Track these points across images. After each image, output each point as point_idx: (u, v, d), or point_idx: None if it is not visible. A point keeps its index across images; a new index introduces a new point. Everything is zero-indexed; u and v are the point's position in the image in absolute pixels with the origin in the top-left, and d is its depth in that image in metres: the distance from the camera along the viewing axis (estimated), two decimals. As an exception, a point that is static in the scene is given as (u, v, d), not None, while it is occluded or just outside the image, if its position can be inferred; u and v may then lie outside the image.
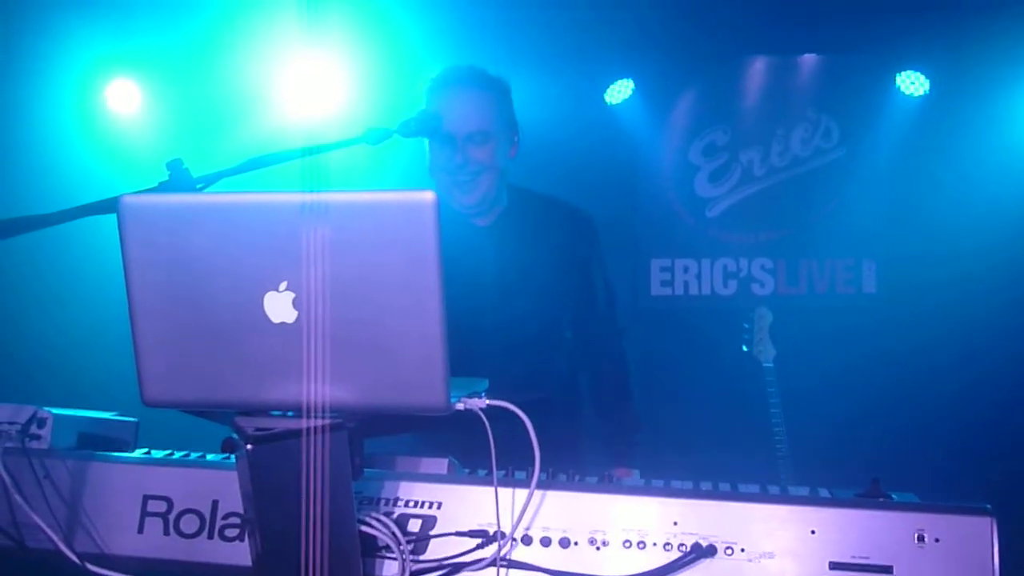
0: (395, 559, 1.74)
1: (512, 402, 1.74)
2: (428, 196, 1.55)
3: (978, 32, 4.77)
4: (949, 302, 4.73)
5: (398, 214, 1.56)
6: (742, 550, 1.70)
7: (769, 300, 4.99)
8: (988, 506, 1.68)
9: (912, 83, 5.02)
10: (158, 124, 4.94)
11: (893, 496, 1.77)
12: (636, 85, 5.11)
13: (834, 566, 1.67)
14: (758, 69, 5.21)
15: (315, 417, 1.60)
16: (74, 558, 1.86)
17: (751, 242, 5.21)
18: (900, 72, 5.03)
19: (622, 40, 4.94)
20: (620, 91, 5.09)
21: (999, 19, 4.71)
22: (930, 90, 5.01)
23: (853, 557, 1.67)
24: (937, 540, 1.66)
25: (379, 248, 1.57)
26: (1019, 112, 4.93)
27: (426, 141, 2.71)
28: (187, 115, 4.88)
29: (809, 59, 5.19)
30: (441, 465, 1.89)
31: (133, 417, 2.15)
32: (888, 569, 1.65)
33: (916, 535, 1.67)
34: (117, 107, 4.94)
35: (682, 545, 1.71)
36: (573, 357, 2.95)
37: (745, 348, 4.09)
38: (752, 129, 5.23)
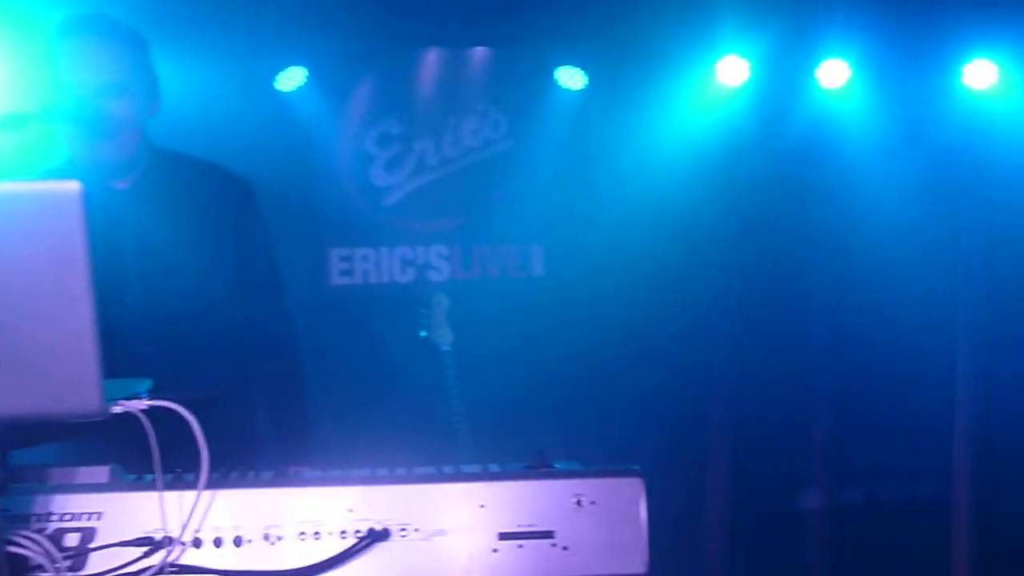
0: (51, 576, 1.64)
1: (176, 399, 1.70)
2: (73, 187, 1.47)
3: (632, 29, 5.03)
4: (610, 284, 4.98)
5: (40, 207, 1.47)
6: (416, 530, 1.74)
7: (445, 286, 5.03)
8: (638, 467, 1.81)
9: (570, 77, 5.22)
10: None
11: (556, 465, 1.86)
12: (309, 73, 4.99)
13: (502, 536, 1.75)
14: (431, 60, 5.25)
15: (-53, 431, 1.48)
16: None
17: (427, 230, 5.26)
18: (559, 67, 5.22)
19: (294, 26, 4.83)
20: (292, 78, 4.96)
21: (653, 17, 4.98)
22: (588, 84, 5.23)
23: (519, 526, 1.75)
24: (593, 503, 1.77)
25: (18, 245, 1.48)
26: (671, 106, 5.22)
27: (58, 93, 2.52)
28: None
29: (479, 52, 5.30)
30: (102, 473, 1.78)
31: None
32: (550, 534, 1.75)
33: (575, 500, 1.77)
34: None
35: (357, 531, 1.73)
36: (236, 343, 2.78)
37: (424, 333, 4.15)
38: (425, 119, 5.26)
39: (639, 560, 1.76)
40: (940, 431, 4.95)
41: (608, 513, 1.77)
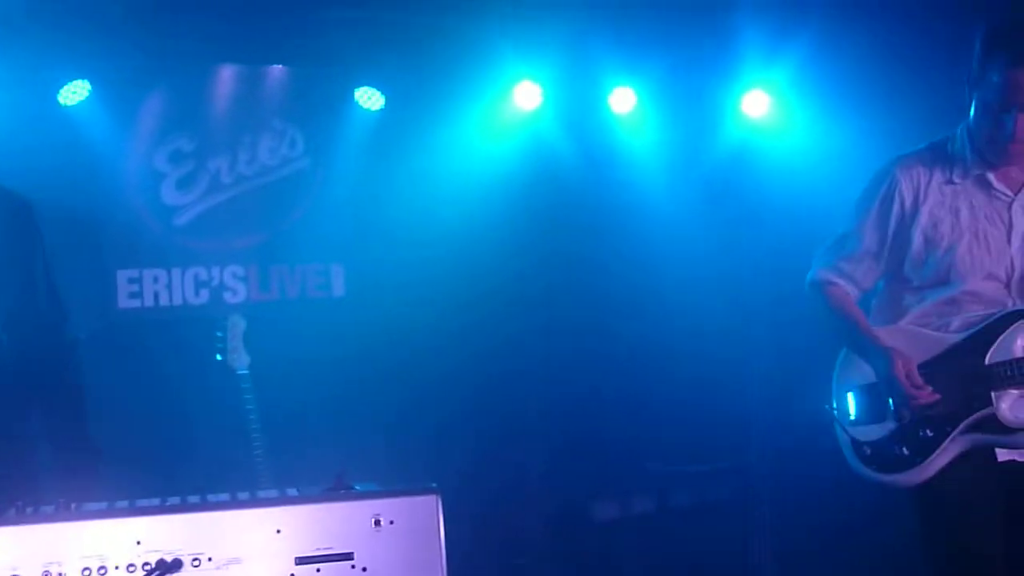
0: None
1: None
2: None
3: (431, 53, 5.11)
4: (410, 302, 5.03)
5: None
6: (209, 559, 1.71)
7: (242, 307, 4.93)
8: (435, 484, 1.85)
9: (369, 98, 5.25)
10: None
11: (356, 487, 1.88)
12: (93, 86, 4.79)
13: (300, 560, 1.75)
14: (225, 77, 5.15)
15: None
16: None
17: (222, 250, 5.13)
18: (358, 87, 5.23)
19: (76, 36, 4.62)
20: (75, 92, 4.75)
21: (452, 42, 5.08)
22: (385, 104, 5.26)
23: (317, 549, 1.76)
24: (392, 522, 1.79)
25: None
26: (469, 127, 5.33)
27: None
28: None
29: (275, 70, 5.23)
30: None
31: None
32: (349, 555, 1.76)
33: (373, 520, 1.79)
34: None
35: (146, 564, 1.69)
36: (14, 372, 2.64)
37: (219, 357, 4.04)
38: (219, 137, 5.15)
39: (439, 573, 1.79)
40: (734, 437, 5.23)
41: (407, 531, 1.79)
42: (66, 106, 4.76)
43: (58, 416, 2.74)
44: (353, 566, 1.76)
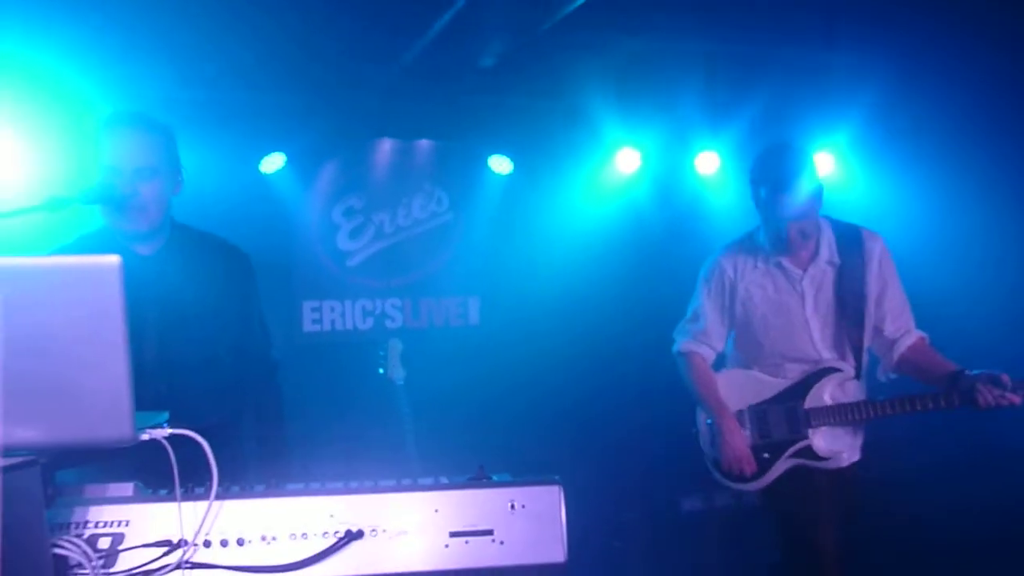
0: (87, 573, 1.65)
1: (189, 428, 1.71)
2: (114, 260, 1.51)
3: (550, 126, 5.23)
4: (533, 328, 5.10)
5: (87, 276, 1.51)
6: (384, 531, 1.77)
7: (399, 332, 5.09)
8: (557, 477, 1.87)
9: (500, 164, 5.37)
10: None
11: (493, 477, 1.90)
12: (288, 157, 5.02)
13: (452, 534, 1.79)
14: (386, 149, 5.32)
15: (7, 456, 1.50)
16: None
17: (384, 286, 5.29)
18: (491, 155, 5.36)
19: (275, 120, 4.87)
20: (273, 162, 4.98)
21: (566, 117, 5.20)
22: (513, 169, 5.39)
23: (465, 526, 1.79)
24: (523, 506, 1.82)
25: (69, 305, 1.51)
26: (578, 186, 5.44)
27: (100, 173, 2.47)
28: None
29: (425, 143, 5.39)
30: (127, 488, 1.79)
31: None
32: (490, 532, 1.80)
33: (509, 503, 1.82)
34: None
35: (337, 532, 1.75)
36: (232, 385, 2.70)
37: (382, 371, 4.13)
38: (382, 196, 5.32)
39: (560, 551, 1.81)
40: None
41: (536, 514, 1.81)
42: (266, 174, 4.99)
43: (263, 419, 2.80)
44: (493, 540, 1.79)
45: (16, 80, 3.68)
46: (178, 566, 1.69)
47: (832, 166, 5.55)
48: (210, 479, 1.72)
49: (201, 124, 4.43)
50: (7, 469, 1.50)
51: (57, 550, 1.63)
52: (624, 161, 5.45)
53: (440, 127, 5.28)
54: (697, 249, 5.41)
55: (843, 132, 5.37)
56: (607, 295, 5.25)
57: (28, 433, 1.51)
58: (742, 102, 5.10)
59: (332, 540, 1.75)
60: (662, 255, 5.37)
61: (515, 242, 5.39)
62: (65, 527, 1.70)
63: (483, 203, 5.45)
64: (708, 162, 5.57)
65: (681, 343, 3.35)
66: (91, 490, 1.78)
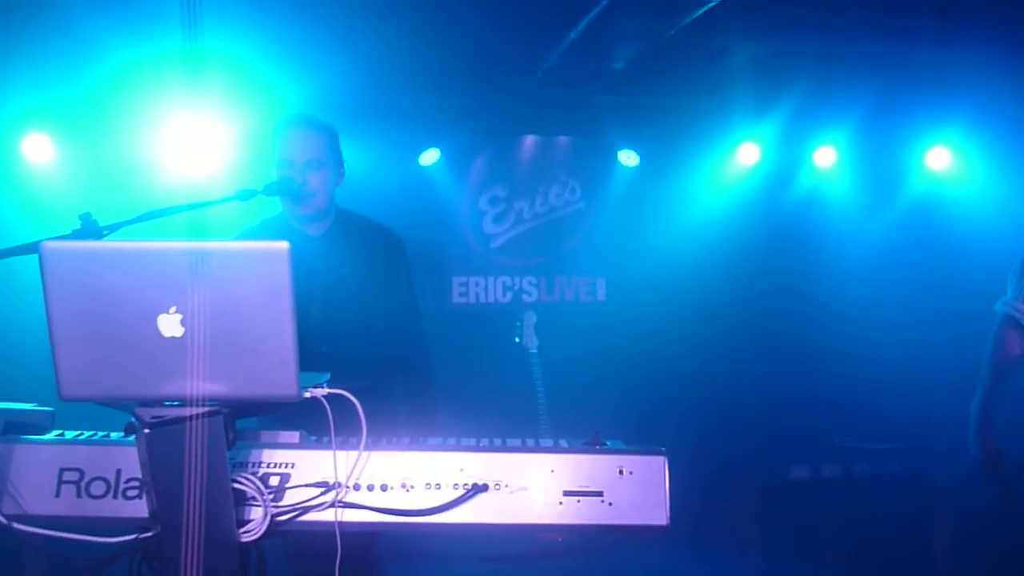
0: (260, 506, 1.73)
1: (345, 388, 1.74)
2: (283, 246, 1.56)
3: (674, 123, 5.08)
4: (656, 306, 4.99)
5: (263, 259, 1.57)
6: (506, 486, 1.77)
7: (534, 306, 5.09)
8: (663, 448, 1.82)
9: (628, 158, 5.27)
10: (69, 174, 4.37)
11: (607, 443, 1.87)
12: (442, 152, 5.11)
13: (566, 493, 1.77)
14: (528, 144, 5.32)
15: (197, 406, 1.59)
16: (1, 519, 1.75)
17: (522, 265, 5.31)
18: (620, 150, 5.26)
19: (432, 119, 4.96)
20: (430, 157, 5.08)
21: (690, 113, 5.03)
22: (640, 162, 5.28)
23: (578, 486, 1.77)
24: (631, 472, 1.78)
25: (247, 282, 1.57)
26: (701, 178, 5.26)
27: (276, 166, 2.58)
28: (93, 167, 4.36)
29: (562, 139, 5.36)
30: (294, 436, 1.86)
31: (49, 407, 2.00)
32: (600, 493, 1.77)
33: (618, 469, 1.79)
34: (33, 158, 4.35)
35: (466, 484, 1.77)
36: (387, 350, 2.73)
37: (517, 340, 4.17)
38: (523, 185, 5.33)
39: (663, 514, 1.77)
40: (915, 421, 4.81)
41: (642, 480, 1.77)
42: (423, 167, 5.07)
43: (411, 379, 2.83)
44: (602, 501, 1.77)
45: (220, 85, 3.90)
46: (332, 504, 1.75)
47: (948, 160, 5.11)
48: (360, 432, 1.76)
49: (368, 125, 4.59)
50: (199, 417, 1.60)
51: (236, 485, 1.71)
52: (745, 155, 5.22)
53: (576, 124, 5.23)
54: (813, 237, 5.20)
55: (958, 126, 4.93)
56: (724, 276, 5.06)
57: (215, 387, 1.59)
58: (857, 98, 4.77)
59: (461, 491, 1.77)
60: (778, 241, 5.14)
61: (640, 228, 5.28)
62: (243, 466, 1.79)
63: (612, 193, 5.36)
64: (825, 156, 5.26)
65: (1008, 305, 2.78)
66: (264, 436, 1.86)
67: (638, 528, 1.76)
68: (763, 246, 5.11)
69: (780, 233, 5.13)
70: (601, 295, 5.37)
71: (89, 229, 1.78)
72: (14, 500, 1.79)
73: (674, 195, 5.23)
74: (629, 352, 4.86)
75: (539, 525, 1.77)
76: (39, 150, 4.38)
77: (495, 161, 5.31)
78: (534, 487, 1.78)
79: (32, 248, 1.58)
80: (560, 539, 3.24)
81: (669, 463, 1.80)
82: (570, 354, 4.60)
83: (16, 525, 1.73)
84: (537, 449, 1.83)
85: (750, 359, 5.08)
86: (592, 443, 1.87)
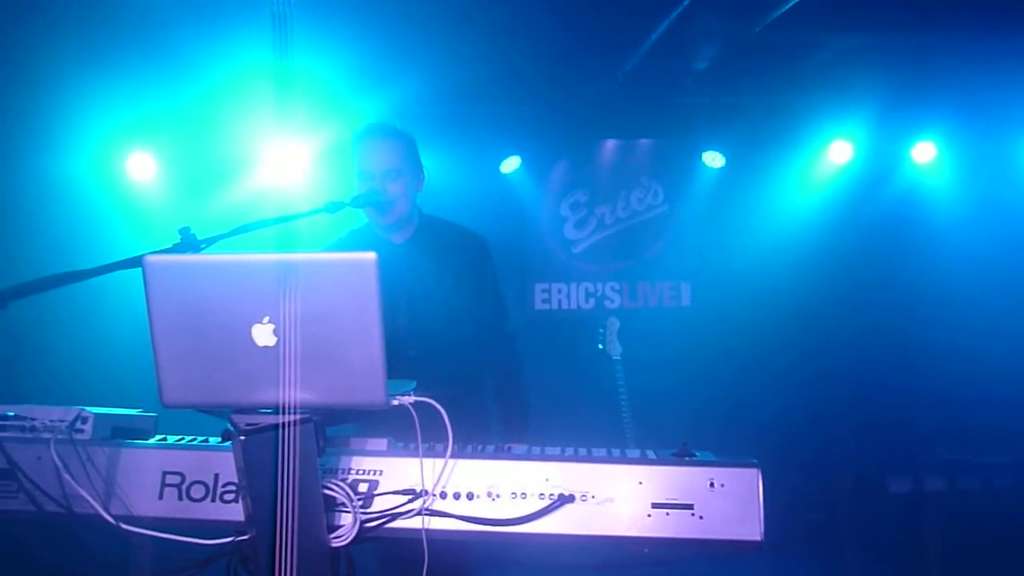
0: (349, 512, 1.75)
1: (431, 395, 1.75)
2: (371, 256, 1.59)
3: (761, 121, 4.95)
4: (743, 312, 4.86)
5: (351, 269, 1.60)
6: (592, 497, 1.74)
7: (617, 312, 5.04)
8: (755, 461, 1.76)
9: (712, 159, 5.16)
10: (169, 190, 4.64)
11: (696, 454, 1.81)
12: (523, 159, 5.13)
13: (655, 505, 1.73)
14: (608, 148, 5.29)
15: (289, 414, 1.63)
16: (109, 519, 1.83)
17: (604, 271, 5.27)
18: (704, 151, 5.16)
19: (514, 127, 4.99)
20: (511, 164, 5.11)
21: (777, 112, 4.90)
22: (726, 163, 5.16)
23: (667, 498, 1.73)
24: (723, 485, 1.73)
25: (337, 292, 1.60)
26: (791, 179, 5.09)
27: (356, 177, 2.61)
28: (191, 182, 4.61)
29: (643, 142, 5.30)
30: (382, 443, 1.89)
31: (153, 413, 2.09)
32: (690, 506, 1.72)
33: (709, 481, 1.73)
34: (136, 176, 4.63)
35: (551, 495, 1.74)
36: (473, 355, 2.71)
37: (600, 346, 4.11)
38: (604, 190, 5.29)
39: (757, 529, 1.71)
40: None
41: (734, 494, 1.71)
42: (504, 174, 5.11)
43: (500, 386, 2.79)
44: (692, 514, 1.71)
45: (305, 101, 4.03)
46: (419, 512, 1.76)
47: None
48: (447, 440, 1.77)
49: (449, 135, 4.66)
50: (291, 424, 1.64)
51: (327, 491, 1.74)
52: (836, 153, 5.02)
53: (657, 127, 5.16)
54: (913, 238, 4.96)
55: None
56: (815, 280, 4.89)
57: (306, 395, 1.63)
58: (956, 91, 4.53)
59: (547, 501, 1.75)
60: (874, 243, 4.93)
61: (726, 231, 5.15)
62: (333, 472, 1.82)
63: (696, 195, 5.26)
64: (924, 151, 5.01)
65: None
66: (353, 443, 1.89)
67: (731, 543, 1.70)
68: (857, 248, 4.92)
69: (876, 234, 4.92)
70: (686, 300, 5.28)
71: (188, 243, 1.85)
72: (121, 501, 1.88)
73: (761, 196, 5.09)
74: (715, 358, 4.76)
75: (627, 537, 1.73)
76: (142, 168, 4.65)
77: (575, 167, 5.29)
78: (621, 499, 1.75)
79: (136, 262, 1.65)
80: (647, 551, 3.17)
81: (763, 476, 1.73)
82: (654, 361, 4.52)
83: (123, 525, 1.82)
84: (624, 460, 1.80)
85: (844, 366, 4.88)
86: (681, 454, 1.82)
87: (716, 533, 1.71)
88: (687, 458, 1.80)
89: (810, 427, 4.78)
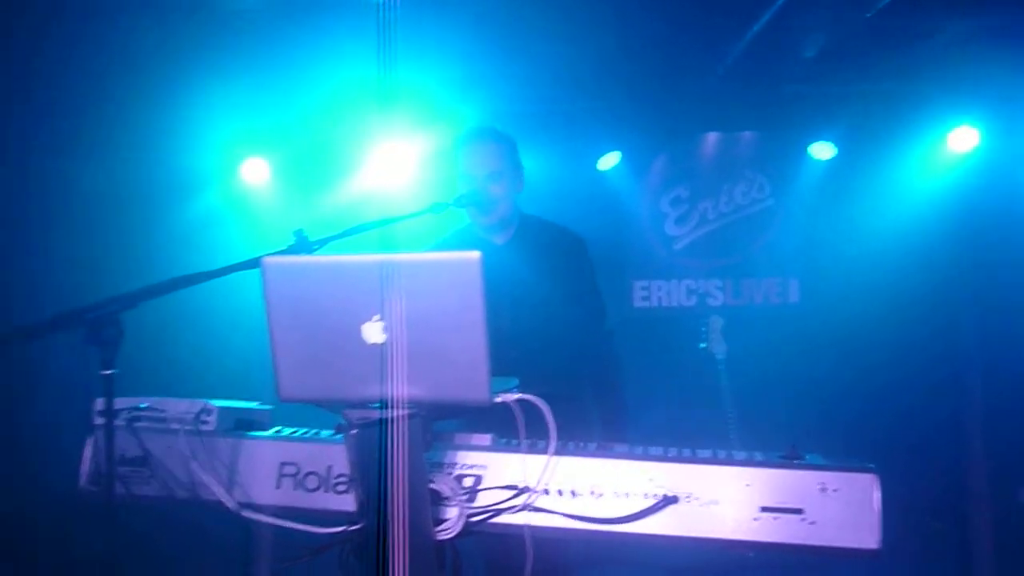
0: (455, 506, 1.80)
1: (534, 393, 1.78)
2: (475, 255, 1.63)
3: (871, 113, 4.72)
4: (856, 309, 4.64)
5: (456, 268, 1.64)
6: (697, 498, 1.73)
7: (720, 309, 4.92)
8: (872, 466, 1.70)
9: (821, 150, 4.96)
10: (282, 194, 4.85)
11: (806, 457, 1.77)
12: (622, 155, 5.07)
13: (763, 509, 1.70)
14: (711, 141, 5.17)
15: (398, 409, 1.68)
16: (232, 505, 1.96)
17: (707, 267, 5.15)
18: (812, 143, 4.96)
19: (611, 123, 4.96)
20: (609, 160, 5.05)
21: (888, 105, 4.68)
22: (836, 155, 4.94)
23: (776, 502, 1.69)
24: (836, 490, 1.67)
25: (443, 290, 1.65)
26: (907, 169, 4.84)
27: (459, 179, 2.69)
28: (302, 185, 4.80)
29: (747, 134, 5.15)
30: (486, 439, 1.92)
31: (269, 406, 2.19)
32: (800, 511, 1.68)
33: (820, 486, 1.68)
34: (251, 180, 4.85)
35: (655, 495, 1.74)
36: (574, 353, 2.73)
37: (703, 346, 4.04)
38: (706, 185, 5.17)
39: (873, 537, 1.65)
40: None
41: (848, 499, 1.66)
42: (603, 171, 5.06)
43: (600, 383, 2.80)
44: (803, 519, 1.66)
45: (408, 105, 4.14)
46: (523, 508, 1.79)
47: None
48: (549, 437, 1.79)
49: (547, 133, 4.67)
50: (401, 419, 1.70)
51: (432, 484, 1.79)
52: (959, 140, 4.72)
53: (762, 118, 4.98)
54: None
55: None
56: (935, 275, 4.61)
57: (413, 391, 1.68)
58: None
59: (651, 501, 1.74)
60: (1002, 234, 4.59)
61: (837, 225, 4.92)
62: (439, 467, 1.87)
63: (804, 188, 5.05)
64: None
65: None
66: (459, 438, 1.93)
67: (844, 551, 1.65)
68: (983, 239, 4.60)
69: (1004, 225, 4.59)
70: (794, 297, 5.09)
71: (302, 244, 1.94)
72: (242, 489, 2.00)
73: (874, 187, 4.84)
74: (826, 358, 4.57)
75: (733, 540, 1.71)
76: (256, 173, 4.88)
77: (676, 161, 5.20)
78: (727, 501, 1.72)
79: (254, 263, 1.75)
80: (751, 555, 3.10)
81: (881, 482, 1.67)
82: (760, 360, 4.39)
83: (245, 512, 1.93)
84: (730, 461, 1.77)
85: (968, 367, 4.59)
86: (790, 457, 1.78)
87: (828, 540, 1.66)
88: (796, 461, 1.76)
89: (932, 433, 4.52)
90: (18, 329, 1.72)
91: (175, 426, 2.05)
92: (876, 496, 1.66)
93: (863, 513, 1.65)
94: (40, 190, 3.71)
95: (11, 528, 3.47)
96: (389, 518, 1.67)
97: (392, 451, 1.66)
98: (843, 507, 1.66)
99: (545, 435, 1.79)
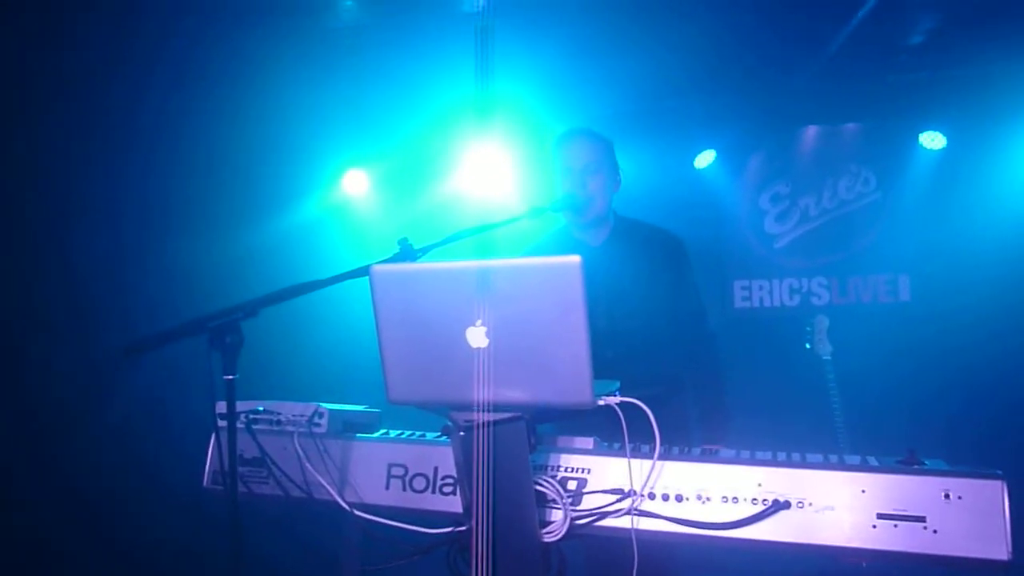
0: (560, 508, 1.80)
1: (636, 396, 1.76)
2: (576, 259, 1.63)
3: (984, 97, 4.48)
4: (969, 305, 4.40)
5: (557, 273, 1.64)
6: (810, 504, 1.67)
7: (825, 309, 4.77)
8: (1000, 472, 1.61)
9: (932, 140, 4.74)
10: (380, 204, 5.01)
11: (926, 462, 1.70)
12: (717, 153, 5.02)
13: (880, 516, 1.63)
14: (811, 135, 5.02)
15: (503, 412, 1.71)
16: (345, 506, 2.02)
17: (810, 265, 5.00)
18: (922, 132, 4.75)
19: (706, 121, 4.89)
20: (705, 158, 5.01)
21: (1002, 87, 4.42)
22: (947, 144, 4.71)
23: (895, 509, 1.63)
24: (960, 497, 1.60)
25: (544, 295, 1.66)
26: (1016, 159, 4.57)
27: (558, 175, 2.71)
28: (400, 196, 4.94)
29: (850, 126, 4.97)
30: (588, 442, 1.93)
31: (377, 408, 2.26)
32: (922, 519, 1.61)
33: (943, 493, 1.61)
34: (352, 192, 5.02)
35: (765, 500, 1.70)
36: (674, 354, 2.71)
37: (808, 346, 3.93)
38: (807, 180, 5.03)
39: (1003, 548, 1.56)
40: None
41: (974, 507, 1.58)
42: (698, 169, 5.02)
43: (703, 384, 2.76)
44: (925, 527, 1.59)
45: (504, 112, 4.20)
46: (628, 512, 1.78)
47: None
48: (654, 441, 1.77)
49: (642, 133, 4.64)
50: (505, 421, 1.72)
51: (538, 487, 1.81)
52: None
53: (865, 109, 4.80)
54: None
55: None
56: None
57: (517, 394, 1.70)
58: None
59: (760, 507, 1.70)
60: None
61: (950, 218, 4.67)
62: (543, 469, 1.88)
63: (914, 180, 4.83)
64: None
65: None
66: (562, 441, 1.94)
67: (971, 562, 1.56)
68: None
69: None
70: (904, 295, 4.87)
71: (406, 252, 2.00)
72: (353, 489, 2.07)
73: (990, 177, 4.58)
74: (940, 358, 4.34)
75: (849, 548, 1.64)
76: (357, 184, 5.08)
77: (774, 157, 5.07)
78: (842, 507, 1.66)
79: (363, 271, 1.81)
80: (864, 564, 2.97)
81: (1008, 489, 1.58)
82: (869, 361, 4.24)
83: (356, 512, 2.00)
84: (843, 466, 1.71)
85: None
86: (909, 462, 1.70)
87: (953, 550, 1.58)
88: (916, 466, 1.68)
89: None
90: (148, 338, 1.83)
91: (290, 428, 2.14)
92: (1005, 504, 1.57)
93: (991, 522, 1.56)
94: (161, 202, 3.91)
95: (139, 525, 3.69)
96: (495, 520, 1.69)
97: (498, 453, 1.69)
98: (969, 515, 1.58)
99: (644, 438, 1.77)
